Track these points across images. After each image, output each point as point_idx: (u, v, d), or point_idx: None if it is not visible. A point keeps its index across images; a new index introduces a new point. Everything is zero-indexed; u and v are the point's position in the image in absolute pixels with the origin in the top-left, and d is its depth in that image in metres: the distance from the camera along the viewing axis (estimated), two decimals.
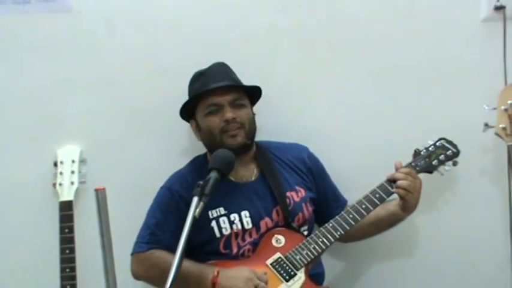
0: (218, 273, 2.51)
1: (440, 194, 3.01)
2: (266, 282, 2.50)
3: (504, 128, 2.72)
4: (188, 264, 2.50)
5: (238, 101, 2.70)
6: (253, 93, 2.77)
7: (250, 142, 2.72)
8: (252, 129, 2.72)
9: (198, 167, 2.75)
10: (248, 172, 2.74)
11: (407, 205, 2.62)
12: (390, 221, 2.73)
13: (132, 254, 2.70)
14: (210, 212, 2.63)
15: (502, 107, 2.73)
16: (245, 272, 2.51)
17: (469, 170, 2.90)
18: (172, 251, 2.11)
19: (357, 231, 2.69)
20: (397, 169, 2.66)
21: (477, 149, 2.95)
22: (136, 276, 2.72)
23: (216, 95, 2.67)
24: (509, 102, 2.73)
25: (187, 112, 2.77)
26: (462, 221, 3.01)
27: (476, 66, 3.00)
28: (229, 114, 2.65)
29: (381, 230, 2.78)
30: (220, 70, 2.74)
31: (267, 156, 2.77)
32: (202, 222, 2.57)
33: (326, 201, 2.82)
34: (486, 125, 2.75)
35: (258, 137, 2.82)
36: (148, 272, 2.67)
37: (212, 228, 2.63)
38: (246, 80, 2.78)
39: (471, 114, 2.86)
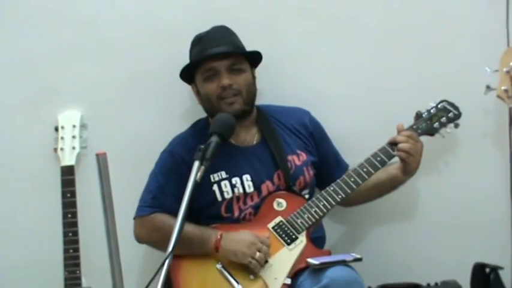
0: (221, 236, 2.53)
1: (442, 156, 3.01)
2: (269, 246, 2.52)
3: (506, 90, 2.71)
4: (191, 227, 2.51)
5: (236, 66, 2.67)
6: (254, 57, 2.76)
7: (249, 108, 2.71)
8: (250, 95, 2.70)
9: (199, 130, 2.75)
10: (249, 136, 2.74)
11: (408, 168, 2.62)
12: (391, 184, 2.73)
13: (134, 218, 2.71)
14: (211, 176, 2.64)
15: (504, 69, 2.72)
16: (248, 235, 2.53)
17: (470, 132, 2.90)
18: (175, 214, 2.12)
19: (358, 194, 2.69)
20: (398, 132, 2.65)
21: (478, 111, 2.94)
22: (139, 239, 2.73)
23: (213, 60, 2.65)
24: (511, 64, 2.72)
25: (188, 76, 2.76)
26: (463, 183, 3.01)
27: (478, 28, 2.98)
28: (225, 80, 2.63)
29: (382, 193, 2.78)
30: (220, 34, 2.72)
31: (268, 120, 2.77)
32: (203, 186, 2.58)
33: (327, 165, 2.81)
34: (488, 87, 2.74)
35: (259, 101, 2.81)
36: (151, 235, 2.68)
37: (214, 192, 2.64)
38: (248, 44, 2.76)
39: (473, 76, 2.85)
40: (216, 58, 2.65)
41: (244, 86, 2.67)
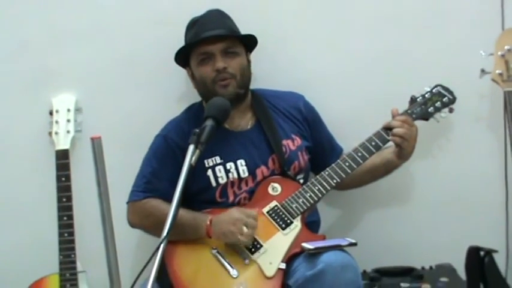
0: (211, 221, 2.52)
1: (436, 141, 3.01)
2: (255, 218, 2.50)
3: (501, 74, 2.71)
4: (183, 213, 2.50)
5: (231, 49, 2.66)
6: (248, 40, 2.75)
7: (244, 91, 2.70)
8: (245, 79, 2.69)
9: (193, 114, 2.74)
10: (244, 120, 2.74)
11: (403, 152, 2.62)
12: (386, 169, 2.74)
13: (127, 203, 2.71)
14: (206, 161, 2.63)
15: (499, 53, 2.72)
16: (233, 213, 2.52)
17: (465, 116, 2.89)
18: (169, 199, 2.12)
19: (353, 179, 2.70)
20: (393, 116, 2.65)
21: (473, 95, 2.94)
22: (132, 224, 2.73)
23: (208, 44, 2.64)
24: (506, 47, 2.71)
25: (183, 60, 2.75)
26: (457, 167, 3.01)
27: (473, 11, 2.97)
28: (220, 63, 2.63)
29: (376, 177, 2.79)
30: (215, 17, 2.71)
31: (263, 104, 2.76)
32: (198, 171, 2.59)
33: (322, 150, 2.81)
34: (483, 71, 2.74)
35: (253, 85, 2.80)
36: (143, 221, 2.68)
37: (208, 177, 2.64)
38: (242, 28, 2.75)
39: (468, 60, 2.84)
40: (210, 41, 2.64)
41: (238, 69, 2.66)
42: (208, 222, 2.52)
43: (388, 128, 2.63)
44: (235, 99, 2.63)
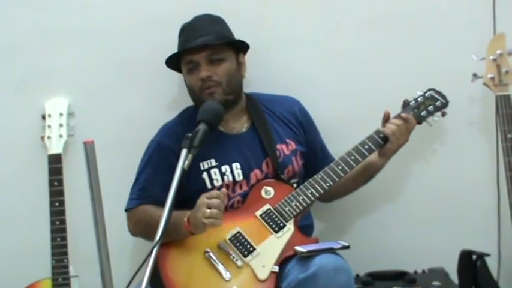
0: (188, 218, 2.48)
1: (429, 145, 3.02)
2: (219, 196, 2.42)
3: (492, 78, 2.73)
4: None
5: (216, 56, 2.66)
6: (236, 44, 2.74)
7: (232, 97, 2.69)
8: (232, 84, 2.68)
9: (187, 118, 2.74)
10: (239, 124, 2.74)
11: (387, 149, 2.63)
12: (367, 173, 2.74)
13: (125, 211, 2.71)
14: (201, 164, 2.63)
15: (491, 57, 2.74)
16: (198, 200, 2.46)
17: (457, 120, 2.90)
18: (163, 204, 2.12)
19: (336, 188, 2.68)
20: (385, 117, 2.66)
21: (465, 99, 2.95)
22: (131, 233, 2.74)
23: (193, 53, 2.66)
24: (497, 52, 2.73)
25: (177, 65, 2.76)
26: (450, 171, 3.02)
27: (465, 15, 2.98)
28: (203, 73, 2.63)
29: (358, 184, 2.78)
30: (201, 24, 2.71)
31: (258, 108, 2.76)
32: (193, 174, 2.59)
33: (314, 157, 2.81)
34: (475, 75, 2.76)
35: (248, 89, 2.81)
36: (136, 227, 2.69)
37: (203, 179, 2.64)
38: (236, 32, 2.76)
39: (460, 64, 2.86)
40: (195, 50, 2.65)
41: (224, 76, 2.66)
42: (185, 219, 2.48)
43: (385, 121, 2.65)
44: (225, 105, 2.61)
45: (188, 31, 2.70)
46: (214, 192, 2.46)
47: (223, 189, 2.54)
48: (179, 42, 2.72)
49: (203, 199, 2.44)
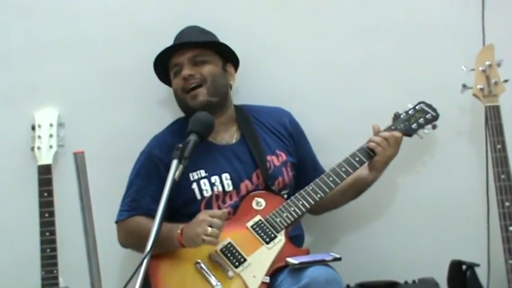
0: (181, 231, 2.49)
1: (419, 157, 3.03)
2: (220, 217, 2.45)
3: (482, 89, 2.74)
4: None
5: (200, 58, 2.68)
6: (223, 50, 2.75)
7: (217, 100, 2.68)
8: (216, 85, 2.68)
9: (177, 129, 2.74)
10: (229, 135, 2.74)
11: (375, 162, 2.64)
12: (357, 187, 2.74)
13: (115, 223, 2.70)
14: (191, 175, 2.63)
15: (480, 68, 2.75)
16: (199, 216, 2.48)
17: (446, 131, 2.91)
18: (153, 216, 2.12)
19: (325, 201, 2.67)
20: (374, 131, 2.67)
21: (455, 110, 2.96)
22: (122, 244, 2.73)
23: (176, 56, 2.68)
24: (487, 63, 2.75)
25: (169, 79, 2.77)
26: (439, 181, 3.03)
27: (454, 27, 3.01)
28: (185, 71, 2.65)
29: (348, 198, 2.79)
30: (191, 31, 2.75)
31: (248, 119, 2.77)
32: (183, 185, 2.58)
33: (305, 168, 2.82)
34: (464, 86, 2.77)
35: (237, 101, 2.81)
36: (127, 239, 2.69)
37: (193, 190, 2.64)
38: (225, 42, 2.75)
39: (449, 75, 2.88)
40: (178, 53, 2.68)
41: (208, 75, 2.67)
42: (179, 231, 2.49)
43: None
44: (210, 107, 2.61)
45: (177, 39, 2.73)
46: (218, 212, 2.48)
47: (225, 210, 2.54)
48: (154, 61, 2.74)
49: (206, 216, 2.45)
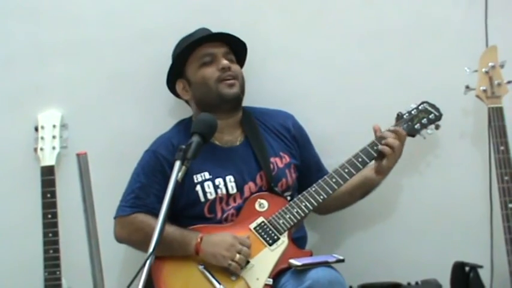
0: (201, 239, 2.52)
1: (423, 157, 3.03)
2: (249, 246, 2.51)
3: (485, 91, 2.74)
4: (171, 229, 2.50)
5: (230, 56, 2.73)
6: (240, 54, 2.79)
7: (242, 99, 2.73)
8: (243, 85, 2.73)
9: (183, 130, 2.74)
10: (233, 137, 2.74)
11: (384, 166, 2.62)
12: (364, 188, 2.74)
13: (115, 218, 2.70)
14: (194, 177, 2.63)
15: (483, 69, 2.75)
16: (228, 237, 2.51)
17: (450, 132, 2.90)
18: (157, 214, 2.11)
19: (332, 200, 2.69)
20: (375, 131, 2.66)
21: (458, 111, 2.97)
22: (120, 239, 2.71)
23: (210, 46, 2.70)
24: (490, 64, 2.75)
25: (173, 75, 2.76)
26: (442, 183, 3.03)
27: (457, 28, 3.01)
28: (224, 62, 2.67)
29: (355, 198, 2.78)
30: (207, 30, 2.76)
31: (253, 121, 2.77)
32: (187, 187, 2.59)
33: (308, 170, 2.81)
34: (467, 87, 2.77)
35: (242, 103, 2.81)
36: (132, 236, 2.67)
37: (197, 192, 2.63)
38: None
39: (452, 76, 2.87)
40: (212, 45, 2.70)
41: (239, 73, 2.73)
42: (198, 240, 2.51)
43: (380, 138, 2.63)
44: (237, 102, 2.69)
45: (194, 35, 2.73)
46: (247, 241, 2.52)
47: (250, 238, 2.55)
48: (186, 44, 2.71)
49: (236, 241, 2.49)
